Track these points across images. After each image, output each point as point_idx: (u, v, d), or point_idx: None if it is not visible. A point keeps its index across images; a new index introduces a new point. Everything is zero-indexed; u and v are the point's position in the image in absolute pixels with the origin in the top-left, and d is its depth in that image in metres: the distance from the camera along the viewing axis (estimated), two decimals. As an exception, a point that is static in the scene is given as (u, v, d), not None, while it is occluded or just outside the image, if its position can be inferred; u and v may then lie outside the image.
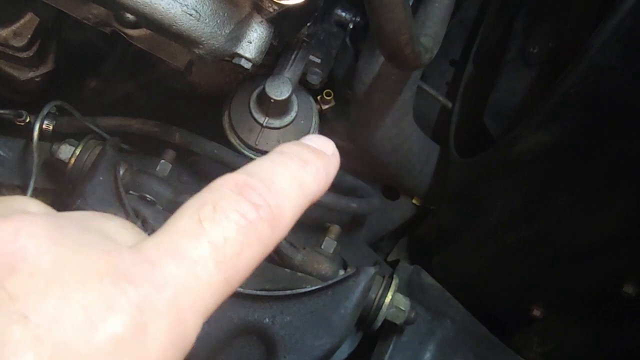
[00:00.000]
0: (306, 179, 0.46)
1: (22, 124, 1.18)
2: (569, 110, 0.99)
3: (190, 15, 0.86)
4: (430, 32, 1.03)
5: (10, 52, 1.15)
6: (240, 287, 1.01)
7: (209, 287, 0.39)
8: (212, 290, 0.39)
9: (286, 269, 1.09)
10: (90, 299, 0.35)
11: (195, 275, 0.38)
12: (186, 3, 0.86)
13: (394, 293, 1.10)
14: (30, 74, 1.20)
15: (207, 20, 0.87)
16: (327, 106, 1.27)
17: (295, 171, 0.46)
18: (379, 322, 1.09)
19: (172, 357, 0.37)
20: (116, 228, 0.43)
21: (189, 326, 0.38)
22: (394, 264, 1.43)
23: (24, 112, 1.19)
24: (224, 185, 0.42)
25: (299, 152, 0.48)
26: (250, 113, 1.15)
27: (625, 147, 0.98)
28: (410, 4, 1.11)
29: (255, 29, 0.92)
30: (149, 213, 1.05)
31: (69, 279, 0.35)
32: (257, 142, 1.15)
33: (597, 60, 0.91)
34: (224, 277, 0.39)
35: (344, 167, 1.47)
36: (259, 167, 0.45)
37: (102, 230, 0.41)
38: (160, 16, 0.86)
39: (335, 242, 1.16)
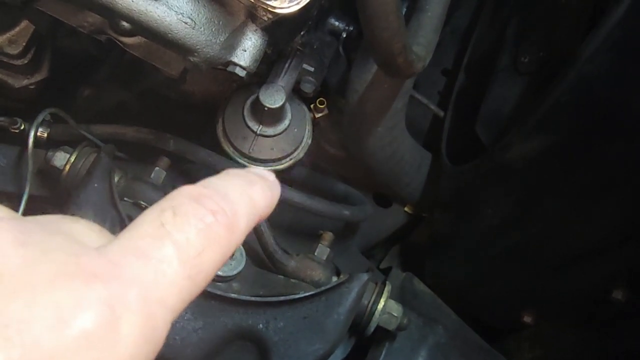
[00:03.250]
0: (254, 194, 0.48)
1: (17, 131, 1.19)
2: (559, 119, 1.00)
3: (186, 23, 0.87)
4: (423, 41, 1.04)
5: (5, 60, 1.15)
6: (234, 293, 1.02)
7: (175, 284, 0.40)
8: (179, 287, 0.40)
9: (280, 276, 1.10)
10: (59, 298, 0.35)
11: (162, 273, 0.40)
12: (182, 11, 0.87)
13: (386, 299, 1.10)
14: (25, 82, 1.21)
15: (202, 28, 0.88)
16: (320, 114, 1.28)
17: (244, 187, 0.48)
18: (371, 328, 1.10)
19: (145, 353, 0.38)
20: (83, 230, 0.44)
21: (158, 322, 0.39)
22: (386, 271, 1.44)
23: (18, 120, 1.19)
24: (181, 195, 0.44)
25: (244, 174, 0.50)
26: (244, 121, 1.16)
27: (615, 155, 0.99)
28: (403, 13, 1.12)
29: (250, 38, 0.93)
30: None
31: (36, 280, 0.36)
32: (250, 150, 1.16)
33: (586, 69, 0.92)
34: (189, 274, 0.41)
35: (336, 175, 1.48)
36: (210, 182, 0.47)
37: (69, 233, 0.42)
38: (155, 24, 0.86)
39: (329, 249, 1.17)
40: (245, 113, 1.16)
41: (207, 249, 0.42)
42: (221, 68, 0.95)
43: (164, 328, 0.40)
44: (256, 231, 1.09)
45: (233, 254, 1.06)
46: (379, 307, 1.09)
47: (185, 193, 0.44)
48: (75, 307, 0.36)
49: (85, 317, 0.35)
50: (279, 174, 1.22)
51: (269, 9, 0.87)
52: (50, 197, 1.21)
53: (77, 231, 0.43)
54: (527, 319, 1.31)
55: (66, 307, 0.35)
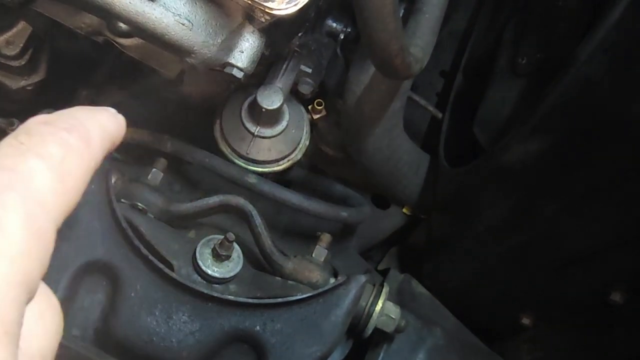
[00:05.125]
0: (102, 118, 0.49)
1: (14, 132, 1.18)
2: (557, 120, 1.00)
3: (183, 24, 0.87)
4: (421, 42, 1.04)
5: (3, 61, 1.15)
6: (231, 294, 1.02)
7: (48, 188, 0.40)
8: (53, 190, 0.41)
9: (277, 277, 1.10)
10: None
11: (33, 179, 0.40)
12: (179, 12, 0.87)
13: (384, 301, 1.10)
14: (22, 83, 1.21)
15: (200, 29, 0.88)
16: (318, 116, 1.28)
17: (90, 112, 0.48)
18: (369, 330, 1.09)
19: (35, 253, 0.38)
20: None
21: (42, 222, 0.39)
22: (384, 273, 1.43)
23: (15, 121, 1.19)
24: (31, 121, 0.45)
25: (87, 107, 0.51)
26: (242, 122, 1.16)
27: (612, 156, 0.99)
28: (401, 14, 1.12)
29: (247, 39, 0.93)
30: (141, 221, 1.05)
31: None
32: (248, 151, 1.16)
33: (584, 71, 0.92)
34: (59, 178, 0.41)
35: (334, 176, 1.47)
36: (56, 112, 0.48)
37: None
38: (153, 25, 0.86)
39: (326, 251, 1.16)
40: (243, 114, 1.16)
41: (69, 156, 0.43)
42: (219, 69, 0.94)
43: (50, 232, 0.40)
44: (253, 232, 1.09)
45: (231, 257, 1.06)
46: (376, 309, 1.09)
47: (34, 119, 0.45)
48: None
49: None
50: (277, 176, 1.23)
51: (267, 10, 0.86)
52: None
53: None
54: (526, 321, 1.31)
55: None
